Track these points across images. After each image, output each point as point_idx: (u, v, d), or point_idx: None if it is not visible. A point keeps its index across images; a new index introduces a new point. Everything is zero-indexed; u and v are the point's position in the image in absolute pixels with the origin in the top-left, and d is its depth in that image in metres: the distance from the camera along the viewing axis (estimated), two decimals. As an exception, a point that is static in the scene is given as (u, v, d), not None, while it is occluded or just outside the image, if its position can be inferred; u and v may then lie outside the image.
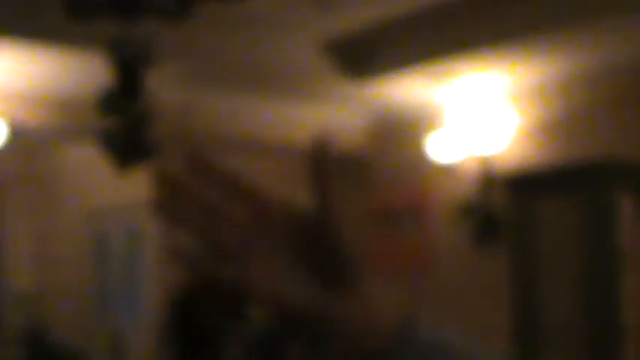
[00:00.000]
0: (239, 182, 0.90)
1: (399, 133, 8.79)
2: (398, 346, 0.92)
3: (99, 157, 9.26)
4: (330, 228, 0.92)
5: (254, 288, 0.91)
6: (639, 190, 7.04)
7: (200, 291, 6.21)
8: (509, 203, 7.71)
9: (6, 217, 7.75)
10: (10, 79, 6.92)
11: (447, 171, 8.20)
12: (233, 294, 0.95)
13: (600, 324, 6.97)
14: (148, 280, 8.77)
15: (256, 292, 0.91)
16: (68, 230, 10.17)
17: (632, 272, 6.91)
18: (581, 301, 7.12)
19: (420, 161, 8.39)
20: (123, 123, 3.32)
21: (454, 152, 8.04)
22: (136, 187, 8.81)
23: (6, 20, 5.33)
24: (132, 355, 9.05)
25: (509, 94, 7.79)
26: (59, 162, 10.24)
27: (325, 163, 0.90)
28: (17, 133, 7.20)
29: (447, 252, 8.32)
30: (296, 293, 0.91)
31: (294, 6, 5.92)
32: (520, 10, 6.43)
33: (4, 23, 5.51)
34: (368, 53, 6.77)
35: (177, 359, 6.15)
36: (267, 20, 5.97)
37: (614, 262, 6.93)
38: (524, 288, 7.48)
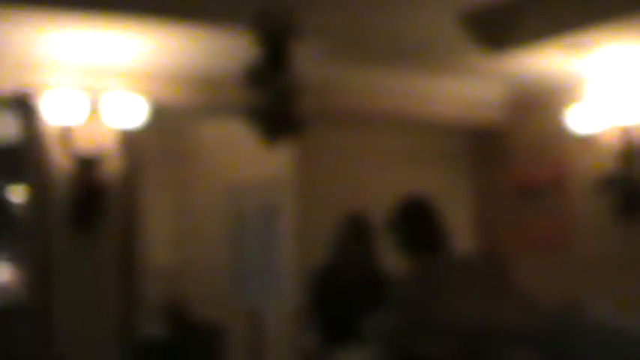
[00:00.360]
0: None
1: (539, 106, 8.65)
2: (567, 330, 0.93)
3: (237, 134, 9.40)
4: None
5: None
6: None
7: (339, 269, 6.25)
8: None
9: (147, 194, 7.94)
10: (152, 58, 7.07)
11: (587, 143, 8.03)
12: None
13: None
14: (284, 257, 8.85)
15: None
16: (207, 207, 10.35)
17: None
18: None
19: (559, 134, 8.24)
20: (270, 97, 3.34)
21: (594, 124, 7.86)
22: (273, 164, 8.91)
23: (150, 1, 5.45)
24: (270, 331, 9.16)
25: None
26: (199, 139, 10.43)
27: None
28: (159, 111, 7.36)
29: (588, 226, 8.15)
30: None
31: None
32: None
33: (148, 4, 5.63)
34: (507, 24, 6.66)
35: (317, 335, 6.20)
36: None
37: None
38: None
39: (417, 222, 4.08)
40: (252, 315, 9.41)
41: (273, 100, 3.33)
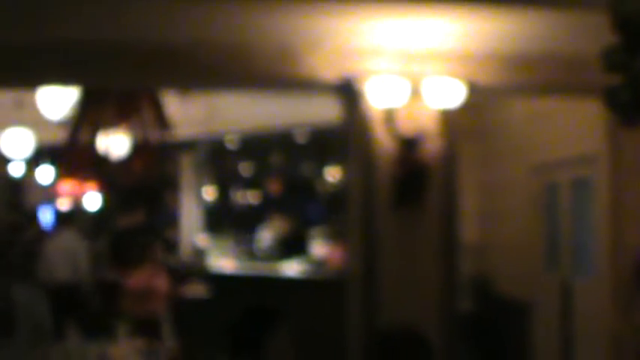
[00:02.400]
0: None
1: None
2: None
3: (545, 111, 9.42)
4: None
5: None
6: None
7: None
8: None
9: (459, 171, 8.16)
10: (468, 41, 7.25)
11: None
12: None
13: None
14: (597, 232, 8.80)
15: None
16: (515, 183, 10.44)
17: None
18: None
19: None
20: (628, 80, 3.41)
21: None
22: (584, 139, 8.87)
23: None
24: (580, 306, 9.14)
25: None
26: (508, 116, 10.53)
27: None
28: (474, 91, 7.54)
29: None
30: None
31: None
32: None
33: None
34: None
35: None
36: None
37: None
38: None
39: None
40: (564, 289, 9.41)
41: (631, 84, 3.40)
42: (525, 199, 10.17)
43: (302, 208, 16.27)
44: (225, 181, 16.82)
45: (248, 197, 17.47)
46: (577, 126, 8.96)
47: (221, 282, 11.87)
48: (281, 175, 16.06)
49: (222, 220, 16.33)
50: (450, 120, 7.48)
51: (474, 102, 9.03)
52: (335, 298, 8.29)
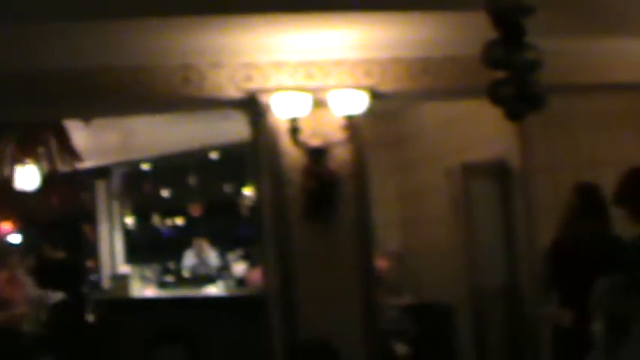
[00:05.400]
0: None
1: None
2: None
3: (459, 115, 9.49)
4: None
5: None
6: None
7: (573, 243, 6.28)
8: None
9: (376, 179, 8.17)
10: (369, 50, 7.27)
11: None
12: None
13: None
14: (513, 234, 8.90)
15: None
16: (432, 188, 10.49)
17: None
18: None
19: None
20: (509, 75, 3.45)
21: None
22: (497, 142, 8.96)
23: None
24: (498, 308, 9.23)
25: None
26: (423, 122, 10.60)
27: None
28: (380, 98, 7.56)
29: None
30: None
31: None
32: None
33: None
34: None
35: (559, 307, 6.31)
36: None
37: None
38: None
39: None
40: (481, 292, 9.50)
41: (513, 78, 3.44)
42: (443, 205, 10.22)
43: (225, 228, 16.18)
44: (145, 208, 16.61)
45: (170, 222, 17.30)
46: (490, 129, 9.03)
47: (142, 306, 11.80)
48: (201, 198, 15.94)
49: (145, 247, 16.13)
50: (356, 128, 7.47)
51: (387, 110, 9.07)
52: (254, 314, 8.25)
